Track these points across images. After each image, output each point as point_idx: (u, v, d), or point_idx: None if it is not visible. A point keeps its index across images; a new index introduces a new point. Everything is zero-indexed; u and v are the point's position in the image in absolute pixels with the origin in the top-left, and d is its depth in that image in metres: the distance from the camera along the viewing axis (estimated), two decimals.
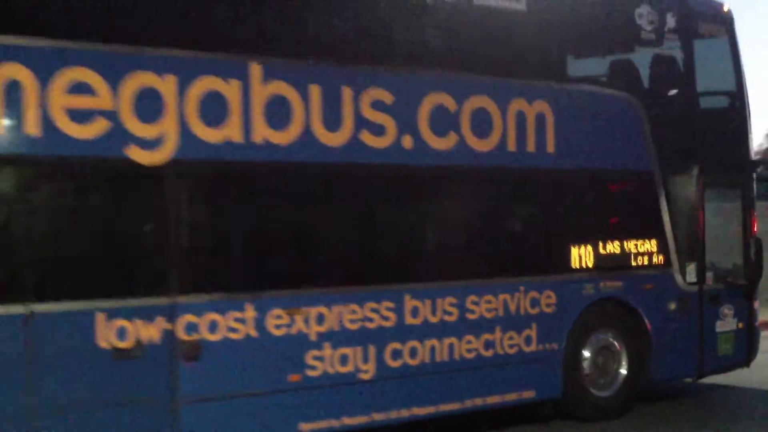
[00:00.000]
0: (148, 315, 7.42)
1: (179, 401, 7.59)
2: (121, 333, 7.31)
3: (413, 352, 8.74)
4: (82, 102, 7.23)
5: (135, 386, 7.40)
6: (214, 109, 7.78)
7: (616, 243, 10.13)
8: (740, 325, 11.13)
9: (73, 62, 7.21)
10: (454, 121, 9.02)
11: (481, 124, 9.20)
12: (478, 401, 9.18)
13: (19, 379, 6.96)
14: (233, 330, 7.79)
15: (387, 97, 8.64)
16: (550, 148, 9.66)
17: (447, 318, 8.92)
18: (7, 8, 7.07)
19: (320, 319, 8.23)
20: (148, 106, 7.48)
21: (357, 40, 8.80)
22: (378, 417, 8.57)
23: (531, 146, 9.51)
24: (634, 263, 10.25)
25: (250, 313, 7.88)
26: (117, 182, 7.51)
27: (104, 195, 7.55)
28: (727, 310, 11.02)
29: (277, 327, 8.02)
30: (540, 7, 9.79)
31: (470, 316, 9.07)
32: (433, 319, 8.85)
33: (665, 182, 10.52)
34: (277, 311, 8.01)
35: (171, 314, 7.53)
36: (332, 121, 8.34)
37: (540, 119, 9.57)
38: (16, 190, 7.19)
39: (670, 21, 10.85)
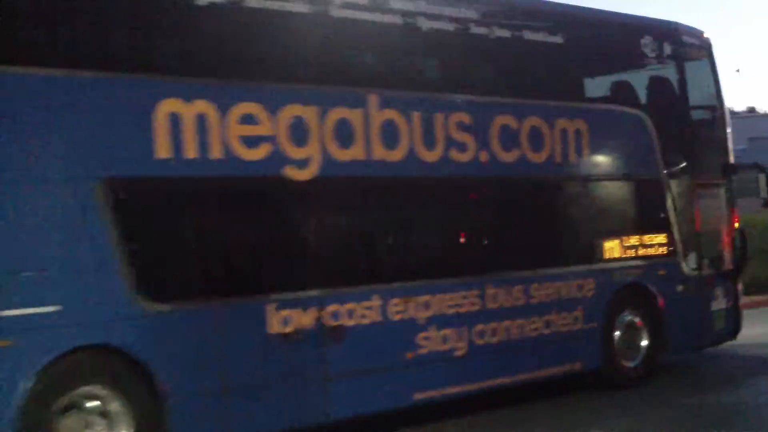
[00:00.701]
0: (303, 305, 8.97)
1: (328, 377, 9.14)
2: (286, 321, 8.84)
3: (494, 332, 10.45)
4: (250, 130, 8.76)
5: (295, 365, 8.92)
6: (343, 133, 9.38)
7: (637, 237, 12.03)
8: (729, 304, 13.15)
9: (243, 98, 8.73)
10: (516, 137, 10.79)
11: (534, 139, 10.98)
12: (542, 372, 10.96)
13: (214, 362, 8.42)
14: (364, 316, 9.39)
15: (467, 119, 10.36)
16: (586, 158, 11.51)
17: (517, 303, 10.67)
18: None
19: (427, 306, 9.89)
20: (299, 132, 9.04)
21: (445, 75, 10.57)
22: (470, 387, 10.26)
23: (573, 157, 11.34)
24: (650, 253, 12.15)
25: (376, 302, 9.49)
26: (277, 197, 9.05)
27: (271, 208, 9.07)
28: (719, 291, 13.03)
29: (396, 313, 9.65)
30: (572, 40, 11.62)
31: (533, 301, 10.84)
32: (507, 304, 10.58)
33: (668, 185, 12.47)
34: (395, 300, 9.63)
35: (320, 304, 9.08)
36: (429, 142, 10.02)
37: (578, 134, 11.40)
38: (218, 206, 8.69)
39: (667, 47, 12.82)
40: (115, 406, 7.83)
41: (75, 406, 7.68)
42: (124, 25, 8.48)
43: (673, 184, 12.54)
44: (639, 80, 12.74)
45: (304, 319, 8.98)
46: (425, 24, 10.30)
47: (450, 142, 10.20)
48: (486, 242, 10.73)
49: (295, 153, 9.04)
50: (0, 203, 7.39)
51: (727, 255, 13.25)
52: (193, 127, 8.40)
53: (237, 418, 8.49)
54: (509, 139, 10.72)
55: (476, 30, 10.75)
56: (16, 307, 7.37)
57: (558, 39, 11.49)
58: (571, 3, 12.23)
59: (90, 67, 8.00)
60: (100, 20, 8.30)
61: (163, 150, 8.24)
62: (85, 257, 7.75)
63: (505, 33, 11.01)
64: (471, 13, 10.75)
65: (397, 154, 9.78)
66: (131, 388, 7.89)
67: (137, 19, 8.48)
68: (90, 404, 7.75)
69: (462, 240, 10.53)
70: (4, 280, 7.33)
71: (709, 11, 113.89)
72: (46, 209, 7.62)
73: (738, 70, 49.95)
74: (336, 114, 9.35)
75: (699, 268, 12.70)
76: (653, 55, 12.66)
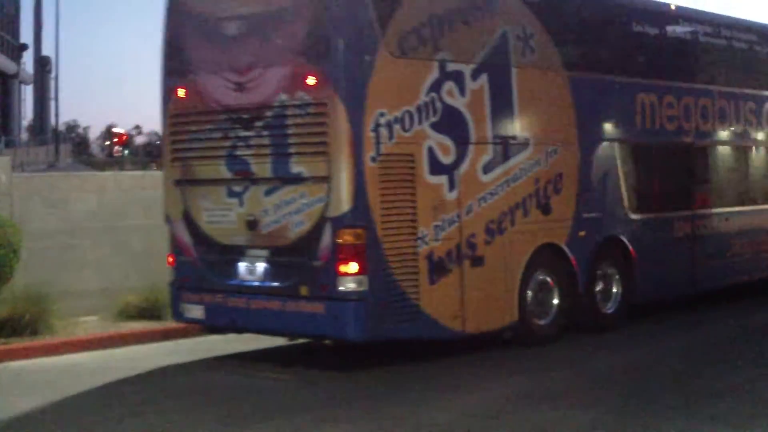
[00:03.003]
0: (686, 220, 14.91)
1: (697, 262, 15.08)
2: (679, 229, 14.78)
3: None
4: (670, 113, 14.68)
5: (680, 255, 14.83)
6: (704, 115, 15.30)
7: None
8: None
9: (666, 92, 14.62)
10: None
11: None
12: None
13: (657, 246, 14.28)
14: (709, 227, 15.38)
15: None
16: None
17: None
18: None
19: (735, 223, 15.93)
20: (687, 114, 14.97)
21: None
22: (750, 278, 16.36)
23: None
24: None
25: (714, 220, 15.48)
26: (680, 155, 14.96)
27: (678, 163, 14.97)
28: None
29: (723, 227, 15.64)
30: None
31: None
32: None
33: None
34: (722, 219, 15.64)
35: (692, 219, 15.03)
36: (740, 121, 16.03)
37: None
38: None
39: None
40: (612, 271, 13.69)
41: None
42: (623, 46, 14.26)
43: None
44: None
45: (686, 227, 14.92)
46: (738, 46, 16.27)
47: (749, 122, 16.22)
48: None
49: (687, 127, 14.94)
50: (588, 163, 13.15)
51: None
52: (650, 111, 14.26)
53: (655, 285, 14.33)
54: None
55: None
56: (587, 213, 13.21)
57: None
58: None
59: (603, 72, 13.76)
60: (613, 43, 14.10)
61: (639, 124, 14.13)
62: (610, 189, 13.59)
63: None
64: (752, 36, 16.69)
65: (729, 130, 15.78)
66: (623, 260, 13.75)
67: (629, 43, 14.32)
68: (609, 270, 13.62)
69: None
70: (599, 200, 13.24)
71: None
72: (598, 160, 13.43)
73: None
74: (702, 102, 15.24)
75: None
76: None
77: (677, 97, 14.72)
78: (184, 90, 11.74)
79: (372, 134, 10.61)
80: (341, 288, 10.56)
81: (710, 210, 15.33)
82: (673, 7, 15.10)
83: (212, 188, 11.56)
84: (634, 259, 13.75)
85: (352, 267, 10.53)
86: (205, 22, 11.64)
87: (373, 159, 10.62)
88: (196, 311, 11.80)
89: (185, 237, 11.83)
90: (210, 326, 12.19)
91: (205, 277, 11.67)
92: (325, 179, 10.60)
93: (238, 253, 11.40)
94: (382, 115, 10.70)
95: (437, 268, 11.18)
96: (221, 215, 11.50)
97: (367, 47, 10.71)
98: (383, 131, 10.70)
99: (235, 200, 11.37)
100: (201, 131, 11.63)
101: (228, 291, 11.46)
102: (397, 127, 10.83)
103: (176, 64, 11.94)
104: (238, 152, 11.31)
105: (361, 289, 10.55)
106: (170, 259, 12.05)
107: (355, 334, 10.71)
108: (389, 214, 10.76)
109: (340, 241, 10.54)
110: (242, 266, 11.38)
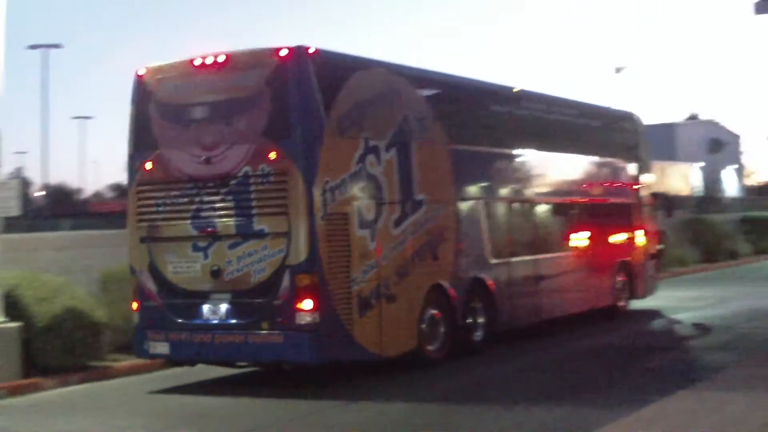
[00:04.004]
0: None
1: (541, 294, 18.46)
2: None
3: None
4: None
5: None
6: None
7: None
8: None
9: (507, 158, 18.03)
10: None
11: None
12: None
13: (510, 284, 17.54)
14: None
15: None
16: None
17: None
18: None
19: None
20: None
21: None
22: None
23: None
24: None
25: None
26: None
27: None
28: None
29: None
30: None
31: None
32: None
33: None
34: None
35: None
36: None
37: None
38: None
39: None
40: (479, 305, 16.82)
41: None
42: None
43: None
44: None
45: (532, 269, 18.26)
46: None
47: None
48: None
49: (530, 187, 18.36)
50: (461, 218, 16.30)
51: None
52: (502, 174, 17.62)
53: (510, 316, 17.51)
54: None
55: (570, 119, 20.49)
56: (462, 258, 16.38)
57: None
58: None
59: (471, 144, 16.97)
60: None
61: (495, 186, 17.48)
62: (477, 239, 16.81)
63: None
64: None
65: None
66: (487, 297, 16.89)
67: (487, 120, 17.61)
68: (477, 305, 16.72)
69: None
70: (469, 247, 16.40)
71: None
72: (468, 215, 16.63)
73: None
74: (537, 165, 18.72)
75: None
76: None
77: (521, 163, 18.17)
78: (151, 163, 14.08)
79: (320, 198, 13.35)
80: (299, 321, 13.18)
81: (550, 254, 18.79)
82: (515, 90, 18.62)
83: (178, 244, 13.91)
84: (495, 296, 16.92)
85: (307, 304, 13.18)
86: (172, 106, 14.06)
87: (322, 217, 13.34)
88: (161, 348, 14.06)
89: (150, 285, 14.09)
90: (175, 360, 14.45)
91: (169, 318, 13.96)
92: (285, 234, 13.23)
93: (202, 297, 13.79)
94: (327, 182, 13.46)
95: (364, 304, 13.95)
96: (186, 266, 13.87)
97: (317, 129, 13.48)
98: (328, 195, 13.46)
99: (200, 254, 13.78)
100: (167, 197, 13.98)
101: (193, 329, 13.81)
102: (337, 191, 13.61)
103: (143, 140, 14.28)
104: (203, 213, 13.76)
105: (315, 321, 13.21)
106: (135, 305, 14.26)
107: (311, 358, 13.35)
108: (332, 261, 13.48)
109: (297, 284, 13.17)
110: (206, 308, 13.78)
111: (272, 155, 13.29)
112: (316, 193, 13.30)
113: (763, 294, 25.17)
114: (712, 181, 74.56)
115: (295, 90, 13.40)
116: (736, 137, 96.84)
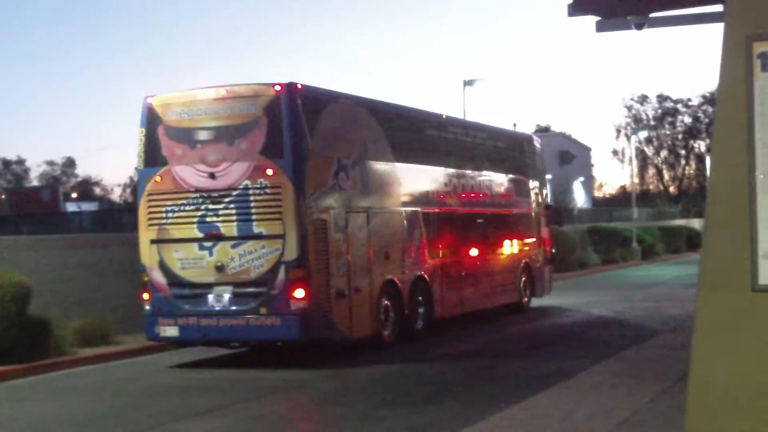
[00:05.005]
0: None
1: (464, 290, 21.77)
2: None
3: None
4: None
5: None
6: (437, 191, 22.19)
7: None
8: None
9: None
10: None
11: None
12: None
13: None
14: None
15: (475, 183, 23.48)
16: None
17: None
18: None
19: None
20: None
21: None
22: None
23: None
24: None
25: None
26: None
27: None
28: None
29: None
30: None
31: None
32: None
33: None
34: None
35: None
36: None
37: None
38: None
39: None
40: (420, 299, 20.08)
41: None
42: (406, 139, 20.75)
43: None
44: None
45: (457, 269, 21.56)
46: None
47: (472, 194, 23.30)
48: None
49: (456, 198, 21.66)
50: (406, 224, 19.48)
51: None
52: (434, 187, 20.89)
53: (442, 308, 20.73)
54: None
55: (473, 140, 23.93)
56: (407, 258, 19.64)
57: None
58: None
59: (412, 162, 20.19)
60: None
61: (430, 197, 20.75)
62: (418, 242, 20.04)
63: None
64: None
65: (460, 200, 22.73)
66: (426, 291, 20.09)
67: (423, 142, 20.80)
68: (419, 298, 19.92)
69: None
70: (412, 249, 19.59)
71: None
72: (412, 222, 19.86)
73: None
74: (462, 180, 22.05)
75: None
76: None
77: (449, 178, 21.52)
78: (160, 177, 16.84)
79: (308, 206, 16.34)
80: (293, 307, 16.14)
81: (470, 256, 22.15)
82: (444, 116, 21.98)
83: (185, 245, 16.69)
84: (431, 291, 20.19)
85: (299, 293, 16.15)
86: (180, 129, 16.85)
87: (309, 223, 16.34)
88: (171, 331, 16.82)
89: (160, 279, 16.83)
90: (183, 341, 17.20)
91: (178, 306, 16.72)
92: (281, 236, 16.17)
93: (207, 288, 16.60)
94: (312, 193, 16.49)
95: (339, 294, 16.99)
96: (193, 263, 16.66)
97: (305, 150, 16.49)
98: (313, 204, 16.48)
99: (205, 252, 16.60)
100: (176, 205, 16.76)
101: (199, 315, 16.60)
102: (319, 202, 16.63)
103: (153, 157, 17.01)
104: (208, 219, 16.58)
105: (305, 307, 16.18)
106: (146, 296, 16.98)
107: (301, 337, 16.30)
108: (317, 258, 16.48)
109: (292, 276, 16.13)
110: (211, 297, 16.60)
111: (269, 171, 16.22)
112: (305, 202, 16.30)
113: (619, 299, 28.05)
114: (561, 192, 76.06)
115: (288, 117, 16.37)
116: (588, 150, 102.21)
